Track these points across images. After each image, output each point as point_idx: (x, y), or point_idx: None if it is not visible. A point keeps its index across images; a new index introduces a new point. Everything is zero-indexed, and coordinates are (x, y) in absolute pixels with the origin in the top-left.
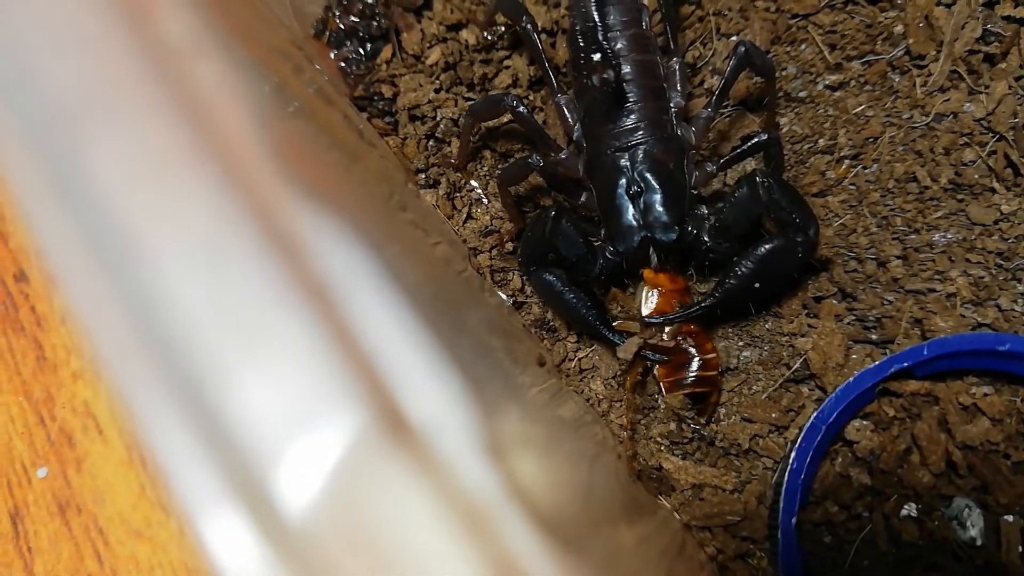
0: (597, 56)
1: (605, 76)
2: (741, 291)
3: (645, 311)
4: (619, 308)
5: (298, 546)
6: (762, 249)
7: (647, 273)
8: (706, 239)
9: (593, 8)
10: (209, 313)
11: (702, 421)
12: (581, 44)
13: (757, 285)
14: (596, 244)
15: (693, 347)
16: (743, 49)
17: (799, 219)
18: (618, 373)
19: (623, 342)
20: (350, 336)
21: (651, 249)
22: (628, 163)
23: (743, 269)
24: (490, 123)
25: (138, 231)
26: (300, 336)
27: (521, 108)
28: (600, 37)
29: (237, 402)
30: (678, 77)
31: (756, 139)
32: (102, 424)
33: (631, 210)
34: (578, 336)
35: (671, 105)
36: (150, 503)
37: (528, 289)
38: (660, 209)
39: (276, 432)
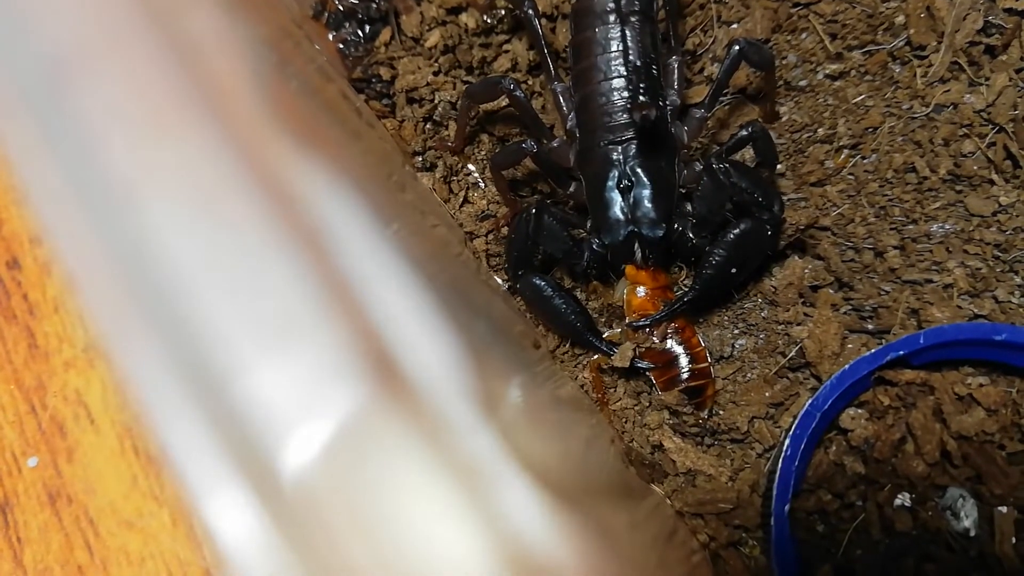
0: (644, 96)
1: (646, 114)
2: (720, 279)
3: (626, 307)
4: (600, 302)
5: (297, 508)
6: (732, 234)
7: (629, 269)
8: (690, 235)
9: (649, 45)
10: (210, 280)
11: (703, 415)
12: (631, 81)
13: (734, 270)
14: (581, 237)
15: (680, 342)
16: (736, 49)
17: (762, 198)
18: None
19: (611, 351)
20: (352, 302)
21: (636, 244)
22: (620, 157)
23: (717, 257)
24: (488, 107)
25: (136, 203)
26: (303, 301)
27: (518, 92)
28: (656, 74)
29: (240, 369)
30: (676, 75)
31: (741, 133)
32: (94, 413)
33: (620, 204)
34: None
35: (667, 103)
36: (142, 493)
37: None
38: (649, 205)
39: (280, 397)
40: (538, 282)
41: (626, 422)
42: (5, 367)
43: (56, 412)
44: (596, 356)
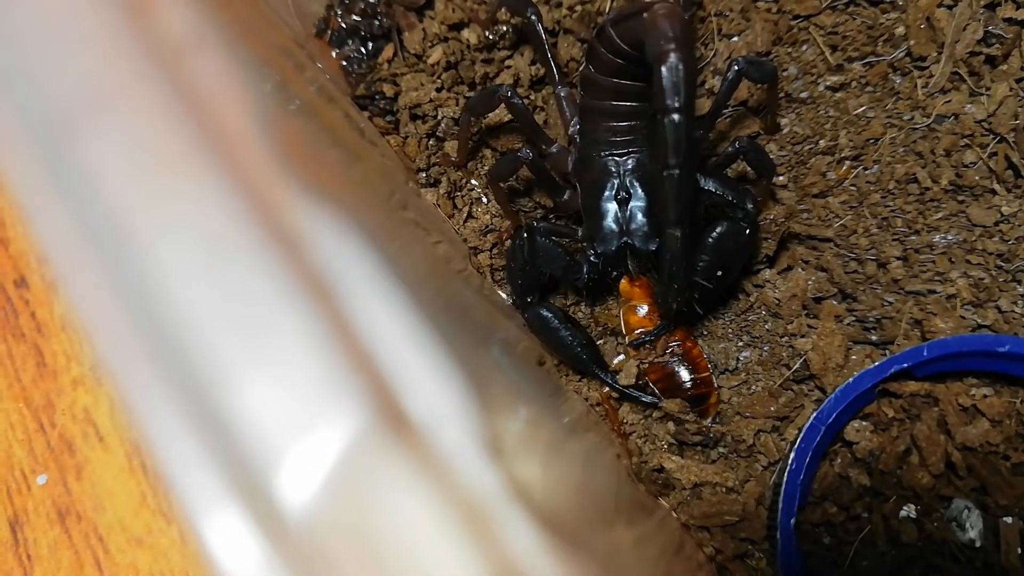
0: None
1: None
2: (707, 283)
3: (623, 326)
4: (601, 328)
5: (299, 544)
6: (711, 238)
7: (623, 286)
8: None
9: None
10: (210, 311)
11: (705, 423)
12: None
13: (719, 273)
14: (576, 248)
15: (680, 353)
16: (736, 69)
17: (734, 198)
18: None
19: (617, 384)
20: (352, 333)
21: (628, 255)
22: (619, 168)
23: (701, 263)
24: (490, 121)
25: (139, 229)
26: (302, 334)
27: (515, 99)
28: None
29: (239, 401)
30: None
31: (728, 149)
32: (102, 431)
33: (615, 214)
34: None
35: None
36: (151, 510)
37: None
38: (643, 219)
39: (278, 430)
40: (545, 314)
41: (639, 438)
42: (14, 385)
43: (65, 430)
44: (607, 388)
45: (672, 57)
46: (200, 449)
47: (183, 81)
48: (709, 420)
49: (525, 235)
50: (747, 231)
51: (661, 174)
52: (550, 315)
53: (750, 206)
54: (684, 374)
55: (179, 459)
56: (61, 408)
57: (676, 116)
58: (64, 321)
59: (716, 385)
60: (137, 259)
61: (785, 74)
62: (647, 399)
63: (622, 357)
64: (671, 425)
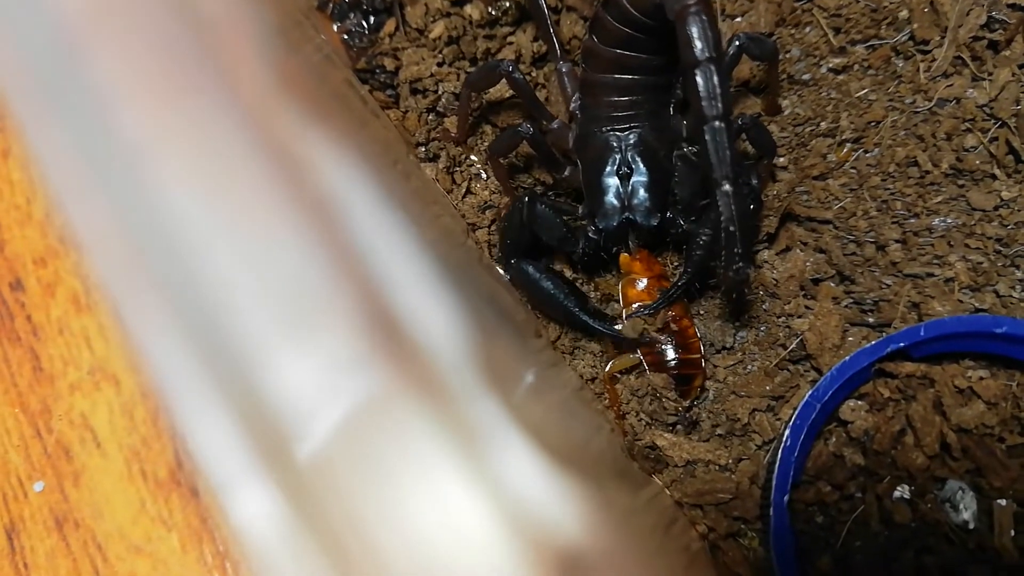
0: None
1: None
2: (710, 259)
3: (622, 299)
4: (600, 295)
5: (308, 481)
6: (714, 213)
7: (623, 259)
8: (680, 221)
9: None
10: (233, 265)
11: (684, 403)
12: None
13: None
14: (575, 224)
15: (676, 330)
16: (737, 44)
17: (737, 172)
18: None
19: (610, 330)
20: (368, 282)
21: (630, 231)
22: (620, 144)
23: (704, 237)
24: (491, 96)
25: (162, 191)
26: (318, 284)
27: (516, 74)
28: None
29: (264, 360)
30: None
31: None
32: (100, 437)
33: (617, 190)
34: None
35: (671, 99)
36: (150, 518)
37: None
38: (645, 194)
39: (300, 380)
40: (528, 268)
41: (633, 415)
42: (10, 390)
43: (62, 436)
44: (608, 367)
45: (695, 8)
46: (215, 399)
47: (197, 28)
48: (688, 402)
49: (527, 199)
50: (751, 207)
51: (702, 130)
52: (532, 268)
53: (754, 181)
54: (670, 352)
55: (199, 413)
56: (58, 413)
57: (711, 65)
58: (61, 324)
59: (704, 367)
60: (152, 216)
61: (788, 55)
62: (637, 354)
63: (620, 327)
64: (659, 401)
